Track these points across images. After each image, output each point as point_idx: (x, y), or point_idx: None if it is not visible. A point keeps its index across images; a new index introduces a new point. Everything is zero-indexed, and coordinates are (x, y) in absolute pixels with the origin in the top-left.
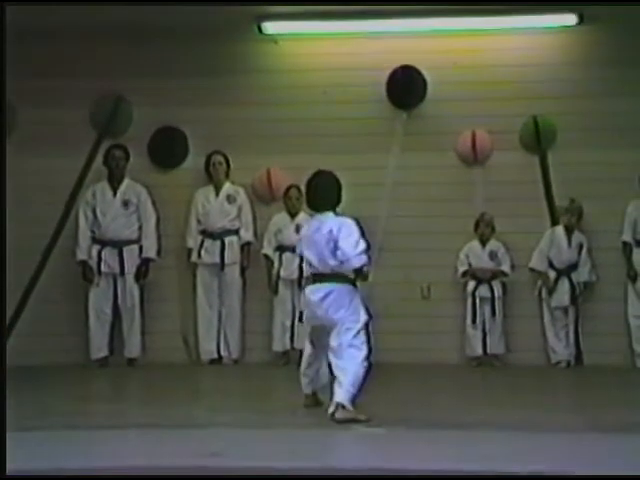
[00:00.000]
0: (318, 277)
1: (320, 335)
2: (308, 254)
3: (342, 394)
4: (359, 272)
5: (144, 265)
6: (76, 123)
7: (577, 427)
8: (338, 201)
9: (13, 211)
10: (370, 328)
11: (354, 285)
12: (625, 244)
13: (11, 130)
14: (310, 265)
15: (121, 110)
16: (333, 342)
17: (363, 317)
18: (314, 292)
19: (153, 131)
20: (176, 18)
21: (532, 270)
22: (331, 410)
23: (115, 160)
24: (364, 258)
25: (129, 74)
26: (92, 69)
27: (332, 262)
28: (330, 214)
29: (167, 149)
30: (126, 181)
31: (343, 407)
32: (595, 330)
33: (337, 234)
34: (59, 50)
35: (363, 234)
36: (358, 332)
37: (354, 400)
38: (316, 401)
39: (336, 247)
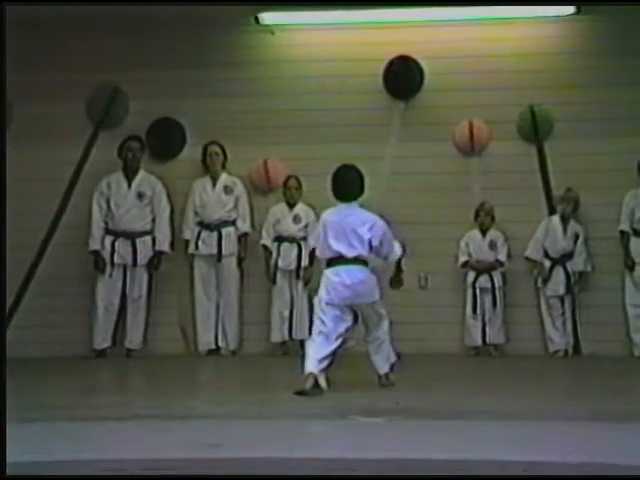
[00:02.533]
0: (343, 260)
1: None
2: (336, 239)
3: None
4: (398, 269)
5: (156, 257)
6: (73, 115)
7: (575, 416)
8: (362, 192)
9: (11, 203)
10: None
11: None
12: (623, 233)
13: (8, 123)
14: (331, 249)
15: (118, 101)
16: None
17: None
18: (342, 275)
19: (150, 122)
20: (172, 9)
21: (528, 259)
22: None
23: (132, 152)
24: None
25: (125, 66)
26: (88, 61)
27: (360, 250)
28: (356, 205)
29: (164, 140)
30: (141, 173)
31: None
32: (593, 319)
33: (372, 232)
34: (55, 42)
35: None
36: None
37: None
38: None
39: (370, 244)
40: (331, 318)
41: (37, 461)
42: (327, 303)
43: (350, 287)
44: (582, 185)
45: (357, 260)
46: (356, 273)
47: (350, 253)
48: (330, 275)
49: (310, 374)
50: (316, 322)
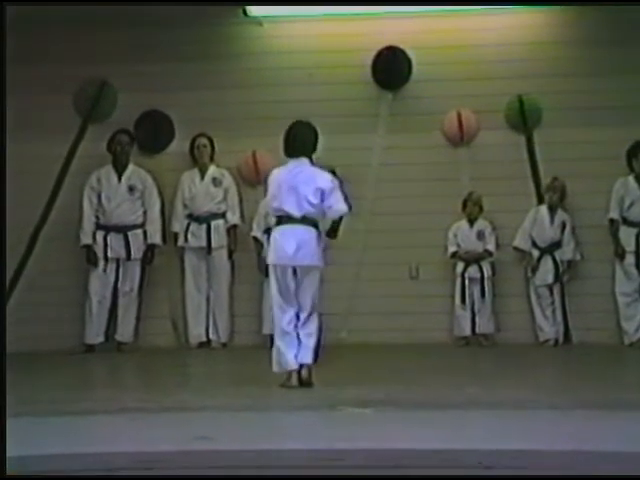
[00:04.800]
0: (290, 220)
1: (288, 288)
2: (286, 197)
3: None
4: (337, 222)
5: (150, 251)
6: (61, 109)
7: (564, 405)
8: (314, 149)
9: None
10: None
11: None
12: (612, 221)
13: None
14: (279, 208)
15: (105, 95)
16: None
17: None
18: (286, 234)
19: (138, 115)
20: (160, 2)
21: (516, 249)
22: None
23: (121, 145)
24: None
25: (113, 59)
26: (76, 55)
27: (309, 208)
28: (306, 161)
29: (152, 133)
30: (130, 166)
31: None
32: (582, 308)
33: (324, 186)
34: (43, 36)
35: (341, 185)
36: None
37: None
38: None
39: (322, 198)
40: (281, 310)
41: (27, 455)
42: (272, 273)
43: (293, 246)
44: (571, 174)
45: (305, 219)
46: (302, 233)
47: (298, 212)
48: (275, 234)
49: (292, 371)
50: (273, 317)
